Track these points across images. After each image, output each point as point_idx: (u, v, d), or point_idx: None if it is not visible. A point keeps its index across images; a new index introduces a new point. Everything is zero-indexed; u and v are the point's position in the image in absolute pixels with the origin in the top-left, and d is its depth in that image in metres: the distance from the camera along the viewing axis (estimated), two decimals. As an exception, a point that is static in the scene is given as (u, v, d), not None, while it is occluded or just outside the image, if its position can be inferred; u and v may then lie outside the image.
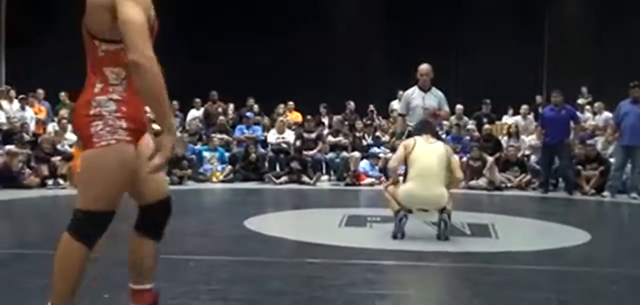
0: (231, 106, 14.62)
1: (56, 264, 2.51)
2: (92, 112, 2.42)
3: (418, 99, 7.25)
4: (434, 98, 7.28)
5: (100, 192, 2.45)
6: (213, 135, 12.76)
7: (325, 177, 12.34)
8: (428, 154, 5.72)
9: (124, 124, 2.44)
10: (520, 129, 13.10)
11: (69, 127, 12.51)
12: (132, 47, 2.26)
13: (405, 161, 5.81)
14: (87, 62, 2.51)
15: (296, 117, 14.38)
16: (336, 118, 13.52)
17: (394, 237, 5.71)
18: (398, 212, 5.74)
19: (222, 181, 11.59)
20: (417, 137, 5.91)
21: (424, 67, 7.35)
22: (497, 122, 14.28)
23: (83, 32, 2.49)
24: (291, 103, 14.74)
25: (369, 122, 13.91)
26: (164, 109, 2.31)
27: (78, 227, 2.48)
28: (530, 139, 12.71)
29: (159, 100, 2.29)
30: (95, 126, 2.40)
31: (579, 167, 10.81)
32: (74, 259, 2.48)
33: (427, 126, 6.11)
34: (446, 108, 7.52)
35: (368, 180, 11.62)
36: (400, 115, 7.75)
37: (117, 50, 2.41)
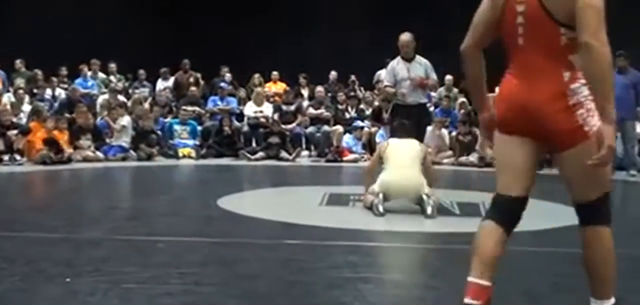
0: (199, 76, 14.40)
1: (605, 265, 2.75)
2: (571, 102, 2.60)
3: (403, 71, 7.27)
4: (420, 67, 7.29)
5: (608, 172, 2.73)
6: (183, 107, 12.62)
7: (305, 153, 12.33)
8: (402, 148, 6.14)
9: (594, 106, 2.60)
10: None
11: (26, 98, 12.34)
12: (586, 28, 2.46)
13: (381, 161, 6.19)
14: (529, 50, 2.66)
15: (282, 87, 14.27)
16: (319, 89, 13.46)
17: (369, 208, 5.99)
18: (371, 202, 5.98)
19: (190, 157, 11.42)
20: (390, 140, 6.42)
21: (404, 38, 7.37)
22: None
23: (530, 20, 2.62)
24: (275, 73, 14.65)
25: (351, 93, 13.88)
26: (607, 96, 2.45)
27: (609, 215, 2.73)
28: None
29: (604, 86, 2.46)
30: (581, 115, 2.60)
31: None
32: (612, 249, 2.74)
33: (403, 128, 6.41)
34: (433, 76, 7.54)
35: (351, 156, 11.62)
36: (386, 87, 7.75)
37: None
